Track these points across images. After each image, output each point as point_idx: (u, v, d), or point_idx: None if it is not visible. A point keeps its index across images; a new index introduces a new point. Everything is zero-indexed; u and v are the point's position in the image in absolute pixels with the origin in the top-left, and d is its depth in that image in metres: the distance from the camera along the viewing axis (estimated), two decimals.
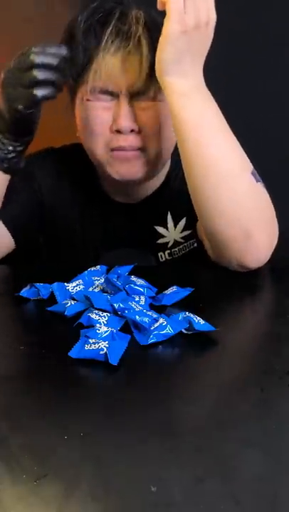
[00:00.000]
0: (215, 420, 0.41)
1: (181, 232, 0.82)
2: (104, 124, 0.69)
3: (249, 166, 0.66)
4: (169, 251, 0.82)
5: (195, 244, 0.84)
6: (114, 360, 0.48)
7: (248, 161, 0.66)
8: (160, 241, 0.82)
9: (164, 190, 0.82)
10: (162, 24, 0.58)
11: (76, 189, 0.83)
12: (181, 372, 0.49)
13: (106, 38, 0.63)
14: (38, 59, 0.58)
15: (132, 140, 0.70)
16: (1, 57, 1.17)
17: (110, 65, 0.64)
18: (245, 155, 0.66)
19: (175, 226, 0.82)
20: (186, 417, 0.41)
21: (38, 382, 0.46)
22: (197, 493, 0.34)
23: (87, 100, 0.69)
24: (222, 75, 1.04)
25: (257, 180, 0.66)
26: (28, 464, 0.36)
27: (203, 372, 0.49)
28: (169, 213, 0.82)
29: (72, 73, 0.67)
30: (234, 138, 0.65)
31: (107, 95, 0.67)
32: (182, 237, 0.83)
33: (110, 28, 0.63)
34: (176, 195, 0.81)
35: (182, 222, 0.82)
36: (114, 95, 0.67)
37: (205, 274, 0.80)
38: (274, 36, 1.05)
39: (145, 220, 0.82)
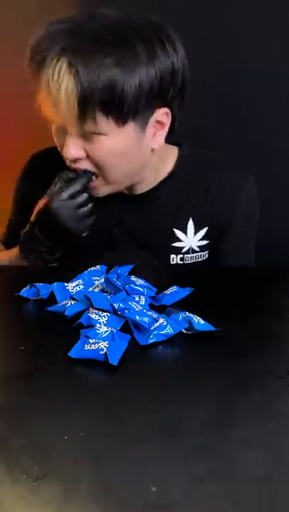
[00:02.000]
0: (215, 420, 0.41)
1: (200, 240, 0.82)
2: (60, 145, 0.72)
3: None
4: (181, 255, 0.82)
5: (206, 256, 0.84)
6: (114, 360, 0.48)
7: None
8: (176, 244, 0.82)
9: (168, 186, 0.82)
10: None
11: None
12: (181, 372, 0.49)
13: (41, 78, 0.65)
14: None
15: (81, 165, 0.72)
16: (1, 57, 1.18)
17: (46, 108, 0.67)
18: None
19: (195, 233, 0.82)
20: (186, 417, 0.41)
21: (38, 382, 0.46)
22: (197, 493, 0.34)
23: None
24: (222, 74, 1.05)
25: None
26: (28, 464, 0.36)
27: (203, 372, 0.49)
28: (191, 219, 0.82)
29: None
30: None
31: (51, 121, 0.70)
32: (199, 246, 0.83)
33: (44, 71, 0.64)
34: (187, 194, 0.82)
35: (203, 231, 0.82)
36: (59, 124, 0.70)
37: (205, 274, 0.80)
38: (274, 36, 1.05)
39: (152, 214, 0.82)
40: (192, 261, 0.83)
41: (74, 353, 0.50)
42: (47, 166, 0.84)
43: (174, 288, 0.63)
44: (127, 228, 0.82)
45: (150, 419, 0.41)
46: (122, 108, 0.65)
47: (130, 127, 0.69)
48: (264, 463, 0.37)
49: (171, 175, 0.82)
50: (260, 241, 0.91)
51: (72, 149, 0.69)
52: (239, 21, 1.01)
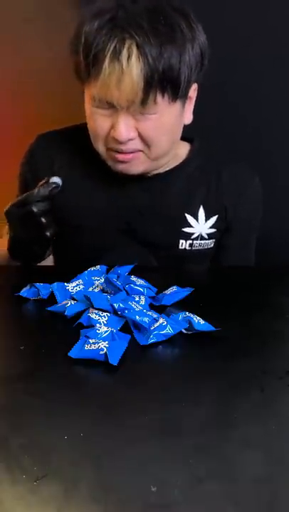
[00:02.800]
0: (215, 420, 0.41)
1: (210, 228, 0.84)
2: (105, 129, 0.72)
3: None
4: (190, 241, 0.84)
5: (212, 245, 0.86)
6: (114, 360, 0.48)
7: None
8: (186, 230, 0.83)
9: (180, 172, 0.83)
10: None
11: (88, 165, 0.83)
12: (181, 372, 0.49)
13: (103, 63, 0.65)
14: (36, 208, 0.69)
15: (130, 145, 0.72)
16: (1, 57, 1.18)
17: (106, 86, 0.67)
18: None
19: (206, 220, 0.84)
20: (186, 417, 0.41)
21: (38, 382, 0.46)
22: (197, 493, 0.34)
23: (91, 105, 0.72)
24: (223, 75, 1.05)
25: None
26: (28, 464, 0.36)
27: (203, 372, 0.49)
28: (201, 207, 0.83)
29: (79, 74, 0.70)
30: None
31: (106, 105, 0.70)
32: (208, 234, 0.84)
33: (108, 56, 0.65)
34: (197, 183, 0.83)
35: (213, 219, 0.84)
36: (113, 106, 0.69)
37: (205, 274, 0.80)
38: (274, 36, 1.05)
39: (164, 198, 0.83)
40: (199, 248, 0.84)
41: (74, 353, 0.50)
42: (52, 148, 0.85)
43: (174, 288, 0.63)
44: (136, 210, 0.82)
45: (150, 419, 0.41)
46: (178, 86, 0.68)
47: (177, 104, 0.71)
48: (264, 463, 0.37)
49: (184, 163, 0.84)
50: (260, 240, 0.91)
51: (125, 130, 0.69)
52: (237, 11, 1.01)
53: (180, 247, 0.83)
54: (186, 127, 0.78)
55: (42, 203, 0.70)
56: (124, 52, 0.64)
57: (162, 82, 0.66)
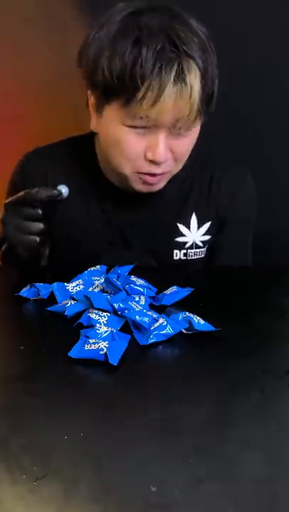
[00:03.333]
0: (215, 420, 0.41)
1: (203, 235, 0.83)
2: (138, 151, 0.68)
3: None
4: (185, 251, 0.82)
5: (205, 253, 0.85)
6: (114, 360, 0.48)
7: None
8: (179, 239, 0.82)
9: (171, 181, 0.81)
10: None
11: (83, 179, 0.82)
12: (181, 372, 0.49)
13: (166, 86, 0.62)
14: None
15: (164, 167, 0.70)
16: (1, 57, 1.18)
17: (164, 106, 0.63)
18: None
19: (198, 227, 0.83)
20: (186, 417, 0.41)
21: (38, 382, 0.46)
22: (197, 494, 0.34)
23: (123, 124, 0.67)
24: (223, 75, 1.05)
25: None
26: (28, 464, 0.36)
27: (203, 372, 0.49)
28: (194, 214, 0.82)
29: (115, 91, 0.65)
30: None
31: (145, 123, 0.66)
32: (202, 241, 0.83)
33: (171, 79, 0.62)
34: (191, 190, 0.83)
35: (206, 226, 0.83)
36: (152, 125, 0.66)
37: (205, 274, 0.80)
38: (275, 40, 1.05)
39: (156, 209, 0.82)
40: (195, 257, 0.83)
41: (74, 353, 0.50)
42: (43, 162, 0.84)
43: (174, 288, 0.63)
44: (131, 223, 0.82)
45: (150, 419, 0.41)
46: (213, 102, 0.69)
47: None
48: (264, 463, 0.37)
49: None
50: (260, 240, 0.91)
51: (164, 151, 0.68)
52: (237, 15, 1.01)
53: (175, 258, 0.82)
54: None
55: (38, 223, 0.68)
56: (187, 74, 0.62)
57: (206, 98, 0.66)
